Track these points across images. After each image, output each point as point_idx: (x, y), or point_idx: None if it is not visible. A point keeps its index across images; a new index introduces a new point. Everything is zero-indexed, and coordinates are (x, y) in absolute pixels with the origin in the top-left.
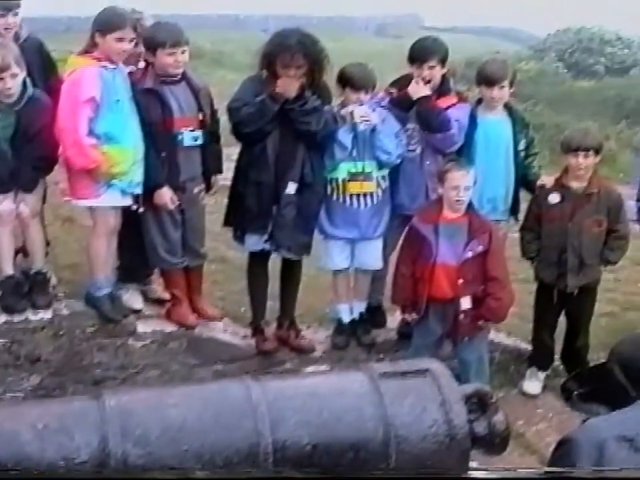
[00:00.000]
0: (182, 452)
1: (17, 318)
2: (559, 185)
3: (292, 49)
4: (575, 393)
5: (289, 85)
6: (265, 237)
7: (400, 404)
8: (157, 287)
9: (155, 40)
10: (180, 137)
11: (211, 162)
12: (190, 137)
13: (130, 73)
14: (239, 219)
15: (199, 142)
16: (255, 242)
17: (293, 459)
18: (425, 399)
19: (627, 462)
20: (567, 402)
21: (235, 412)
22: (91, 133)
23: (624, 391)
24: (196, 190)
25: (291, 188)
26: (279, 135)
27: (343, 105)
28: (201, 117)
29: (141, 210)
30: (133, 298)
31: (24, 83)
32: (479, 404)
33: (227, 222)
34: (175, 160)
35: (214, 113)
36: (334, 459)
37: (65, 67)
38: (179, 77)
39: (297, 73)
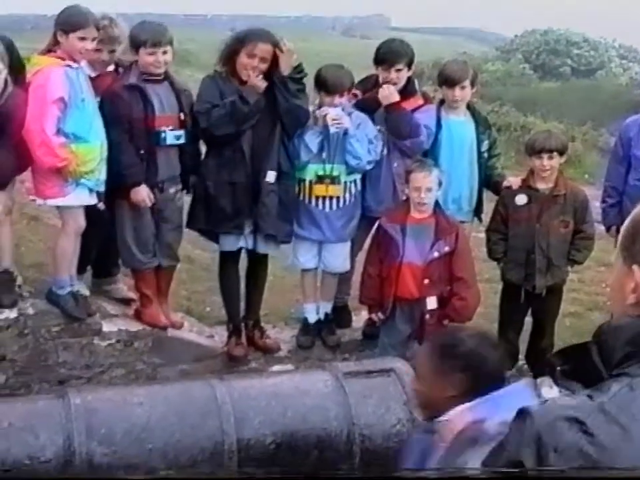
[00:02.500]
0: (147, 451)
1: None
2: (526, 186)
3: (256, 38)
4: (558, 368)
5: (256, 79)
6: (241, 237)
7: (364, 403)
8: (123, 286)
9: (137, 38)
10: (163, 135)
11: (189, 162)
12: (172, 135)
13: (99, 76)
14: (212, 220)
15: (182, 141)
16: (231, 242)
17: (257, 457)
18: (389, 398)
19: (571, 444)
20: (550, 376)
21: (199, 411)
22: (58, 132)
23: (598, 371)
24: (173, 190)
25: (271, 176)
26: (252, 131)
27: (319, 106)
28: (182, 116)
29: (102, 207)
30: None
31: (5, 80)
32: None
33: (193, 223)
34: (154, 158)
35: (193, 113)
36: (298, 457)
37: (28, 67)
38: (162, 76)
39: (260, 64)
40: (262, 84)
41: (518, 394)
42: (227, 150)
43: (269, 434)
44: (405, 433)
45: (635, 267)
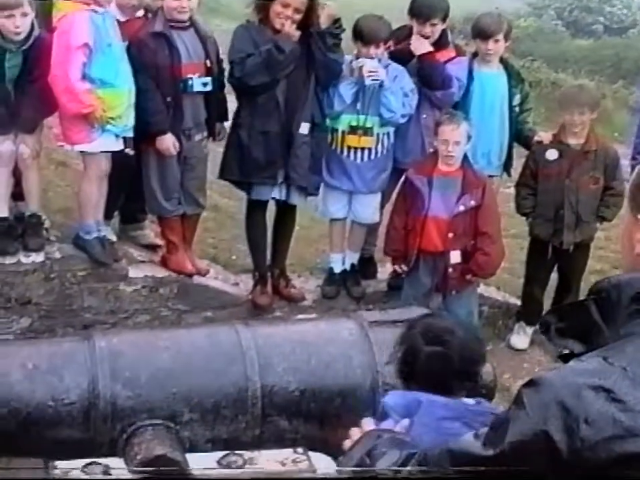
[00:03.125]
0: (170, 395)
1: (8, 260)
2: (557, 142)
3: None
4: (553, 326)
5: (291, 28)
6: (275, 187)
7: (388, 352)
8: (150, 233)
9: None
10: (190, 82)
11: (216, 109)
12: (199, 82)
13: (128, 21)
14: (245, 170)
15: (208, 88)
16: (263, 192)
17: (280, 404)
18: None
19: (602, 413)
20: (544, 334)
21: (224, 356)
22: (84, 77)
23: (598, 329)
24: (199, 137)
25: (304, 128)
26: (287, 81)
27: (357, 57)
28: (208, 63)
29: (131, 153)
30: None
31: (31, 24)
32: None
33: (225, 173)
34: (180, 105)
35: (219, 61)
36: (321, 404)
37: (53, 11)
38: (187, 23)
39: (294, 14)
40: (296, 33)
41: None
42: (261, 99)
43: (292, 381)
44: None
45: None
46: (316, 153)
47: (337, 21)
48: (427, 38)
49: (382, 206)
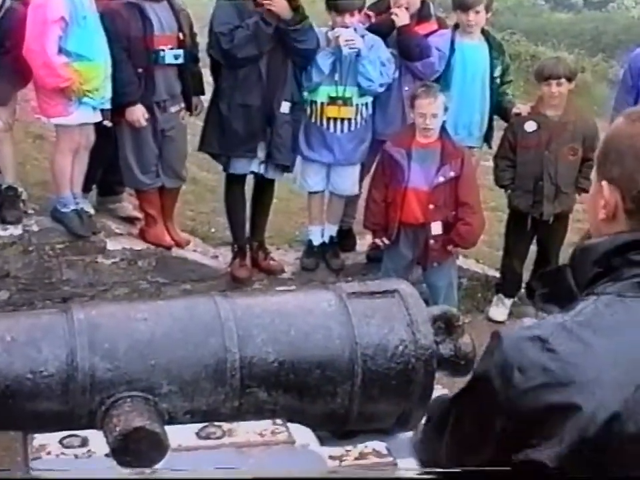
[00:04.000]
0: (149, 367)
1: None
2: (535, 113)
3: None
4: (537, 292)
5: (281, 4)
6: (255, 160)
7: (367, 323)
8: (128, 205)
9: None
10: (162, 54)
11: (191, 82)
12: (171, 54)
13: None
14: (225, 143)
15: (180, 60)
16: (243, 165)
17: (259, 375)
18: (392, 318)
19: (534, 362)
20: (530, 299)
21: (203, 328)
22: (60, 51)
23: (573, 294)
24: (174, 109)
25: (285, 107)
26: (268, 57)
27: (332, 28)
28: (181, 36)
29: (109, 125)
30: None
31: None
32: (445, 326)
33: (205, 146)
34: (152, 77)
35: (193, 34)
36: (300, 376)
37: None
38: None
39: None
40: (286, 10)
41: None
42: (242, 73)
43: (271, 352)
44: (408, 355)
45: (603, 182)
46: (296, 132)
47: (297, 9)
48: (405, 9)
49: (361, 178)
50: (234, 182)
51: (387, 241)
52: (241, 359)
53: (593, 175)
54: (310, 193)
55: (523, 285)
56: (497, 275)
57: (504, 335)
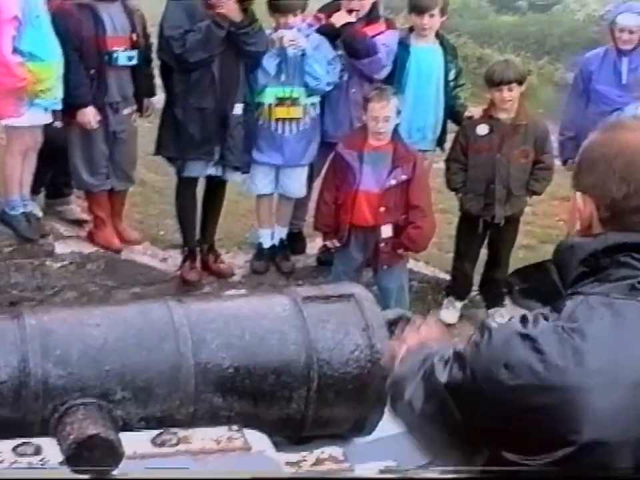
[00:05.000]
0: (103, 372)
1: None
2: (487, 117)
3: None
4: (516, 288)
5: (232, 7)
6: (211, 162)
7: (323, 328)
8: (76, 208)
9: None
10: (115, 56)
11: (143, 84)
12: (125, 56)
13: None
14: (181, 146)
15: (134, 62)
16: (200, 168)
17: (214, 381)
18: (347, 323)
19: (522, 361)
20: (508, 295)
21: (157, 333)
22: (15, 51)
23: (558, 290)
24: (127, 111)
25: (238, 109)
26: (221, 59)
27: (276, 30)
28: (134, 37)
29: (59, 126)
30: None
31: None
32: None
33: (161, 150)
34: (105, 79)
35: (147, 36)
36: (256, 381)
37: None
38: None
39: None
40: (236, 13)
41: None
42: (195, 76)
43: (226, 357)
44: (364, 359)
45: (578, 193)
46: (248, 133)
47: (246, 11)
48: (356, 12)
49: (312, 181)
50: (186, 184)
51: (337, 243)
52: (195, 364)
53: (572, 185)
54: (258, 195)
55: (474, 287)
56: (447, 277)
57: (495, 329)
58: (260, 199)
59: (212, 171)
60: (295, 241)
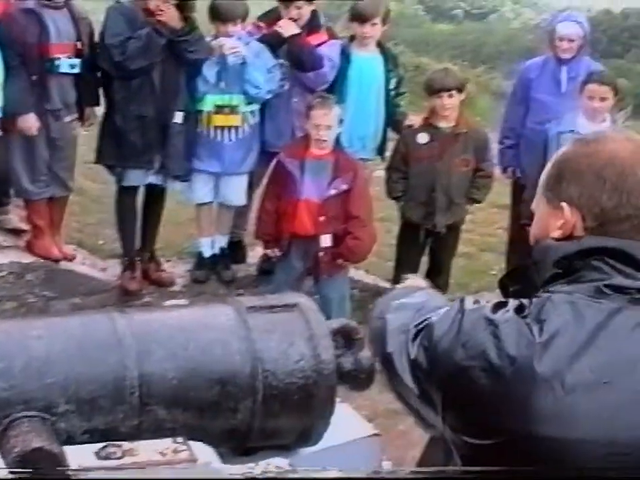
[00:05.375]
0: (46, 385)
1: None
2: (427, 125)
3: None
4: (510, 289)
5: (172, 14)
6: (151, 170)
7: (268, 338)
8: (14, 217)
9: None
10: (57, 63)
11: (86, 92)
12: (67, 64)
13: None
14: (121, 155)
15: (76, 70)
16: (140, 177)
17: (159, 392)
18: (292, 333)
19: (478, 342)
20: (504, 296)
21: (100, 345)
22: None
23: (537, 290)
24: (68, 119)
25: (179, 117)
26: (161, 67)
27: (216, 36)
28: (79, 45)
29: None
30: None
31: None
32: (344, 339)
33: (101, 158)
34: (46, 86)
35: (94, 44)
36: (200, 393)
37: None
38: (61, 2)
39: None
40: (176, 20)
41: None
42: (136, 84)
43: (171, 368)
44: (309, 369)
45: (563, 204)
46: (189, 141)
47: (187, 19)
48: (294, 20)
49: (253, 190)
50: (126, 193)
51: (278, 252)
52: (139, 376)
53: (538, 200)
54: (198, 204)
55: None
56: (388, 285)
57: (467, 311)
58: (200, 208)
59: (152, 179)
60: (235, 250)
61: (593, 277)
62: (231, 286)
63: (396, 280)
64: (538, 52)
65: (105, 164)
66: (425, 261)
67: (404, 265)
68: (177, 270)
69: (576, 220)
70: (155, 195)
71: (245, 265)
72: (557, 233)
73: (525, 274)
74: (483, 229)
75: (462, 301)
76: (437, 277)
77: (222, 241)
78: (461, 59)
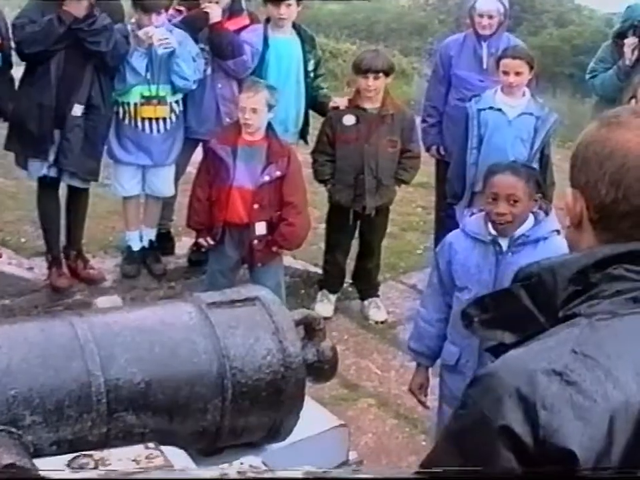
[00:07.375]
0: (9, 397)
1: None
2: (353, 106)
3: None
4: (476, 319)
5: (79, 4)
6: (48, 162)
7: (232, 334)
8: None
9: None
10: None
11: (3, 87)
12: None
13: None
14: (21, 143)
15: None
16: (37, 168)
17: (126, 398)
18: (257, 327)
19: (558, 397)
20: (467, 328)
21: (62, 352)
22: None
23: (531, 316)
24: None
25: (77, 110)
26: (64, 56)
27: (139, 26)
28: None
29: None
30: None
31: None
32: (306, 330)
33: (8, 144)
34: None
35: (8, 38)
36: (169, 395)
37: None
38: None
39: None
40: (80, 9)
41: None
42: (37, 71)
43: (137, 372)
44: (277, 364)
45: (569, 189)
46: (91, 137)
47: (91, 15)
48: (215, 3)
49: (177, 178)
50: (45, 188)
51: (211, 241)
52: (105, 382)
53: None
54: (125, 197)
55: (346, 279)
56: (318, 270)
57: (502, 372)
58: (127, 201)
59: (46, 171)
60: (163, 242)
61: (617, 287)
62: (163, 279)
63: (326, 264)
64: (429, 28)
65: (10, 150)
66: (355, 244)
67: (334, 248)
68: (104, 265)
69: (582, 208)
70: (77, 191)
71: (175, 257)
72: (567, 221)
73: (498, 301)
74: (402, 209)
75: (477, 377)
76: (368, 259)
77: (150, 234)
78: (354, 37)
